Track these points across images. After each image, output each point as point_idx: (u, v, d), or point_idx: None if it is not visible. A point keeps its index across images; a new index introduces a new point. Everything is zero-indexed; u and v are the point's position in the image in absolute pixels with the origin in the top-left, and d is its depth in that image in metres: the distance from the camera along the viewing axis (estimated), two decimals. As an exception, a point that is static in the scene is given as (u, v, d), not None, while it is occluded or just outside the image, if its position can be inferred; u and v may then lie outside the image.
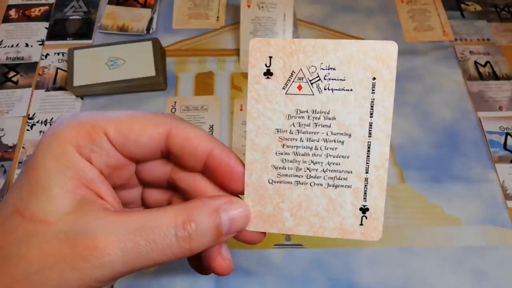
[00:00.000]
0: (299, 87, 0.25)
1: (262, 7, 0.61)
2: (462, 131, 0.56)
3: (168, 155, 0.26)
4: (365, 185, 0.25)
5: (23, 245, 0.21)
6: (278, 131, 0.25)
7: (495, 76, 0.61)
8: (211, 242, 0.24)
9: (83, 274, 0.20)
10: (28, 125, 0.57)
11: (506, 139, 0.55)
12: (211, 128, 0.56)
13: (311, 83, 0.24)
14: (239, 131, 0.56)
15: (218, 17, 0.67)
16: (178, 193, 0.28)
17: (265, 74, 0.25)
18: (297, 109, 0.25)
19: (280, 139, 0.25)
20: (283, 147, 0.25)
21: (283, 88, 0.25)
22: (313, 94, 0.24)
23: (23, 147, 0.55)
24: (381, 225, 0.25)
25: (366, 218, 0.25)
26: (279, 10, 0.61)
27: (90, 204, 0.22)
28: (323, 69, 0.24)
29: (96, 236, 0.21)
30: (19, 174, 0.23)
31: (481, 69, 0.61)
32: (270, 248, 0.48)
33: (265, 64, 0.25)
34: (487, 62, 0.62)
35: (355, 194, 0.25)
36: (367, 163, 0.25)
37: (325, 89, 0.24)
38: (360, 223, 0.25)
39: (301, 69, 0.24)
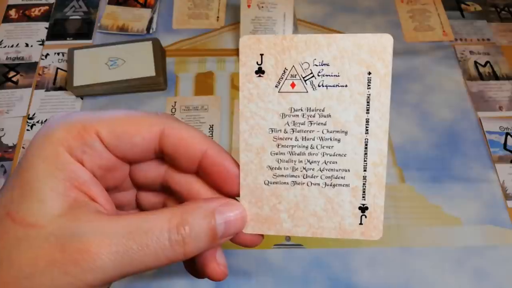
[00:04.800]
0: (292, 85, 0.24)
1: (262, 7, 0.61)
2: (462, 131, 0.56)
3: (162, 155, 0.25)
4: (364, 184, 0.24)
5: (13, 249, 0.20)
6: (272, 131, 0.25)
7: (495, 76, 0.61)
8: (206, 245, 0.23)
9: (74, 279, 0.20)
10: (28, 125, 0.57)
11: (506, 139, 0.55)
12: (211, 128, 0.56)
13: (305, 80, 0.24)
14: (239, 131, 0.56)
15: (218, 17, 0.66)
16: (173, 196, 0.27)
17: (256, 72, 0.24)
18: (291, 108, 0.24)
19: (274, 139, 0.25)
20: (278, 147, 0.25)
21: (275, 86, 0.24)
22: (307, 92, 0.24)
23: (23, 147, 0.55)
24: (381, 224, 0.25)
25: (366, 217, 0.25)
26: (279, 10, 0.60)
27: (82, 207, 0.22)
28: (316, 65, 0.24)
29: (87, 240, 0.20)
30: (10, 175, 0.23)
31: (481, 69, 0.61)
32: (270, 248, 0.48)
33: (257, 62, 0.24)
34: (487, 62, 0.62)
35: (353, 193, 0.25)
36: (365, 160, 0.24)
37: (319, 86, 0.24)
38: (359, 222, 0.25)
39: (293, 66, 0.24)
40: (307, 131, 0.24)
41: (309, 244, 0.48)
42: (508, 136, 0.55)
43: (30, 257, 0.20)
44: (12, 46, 0.64)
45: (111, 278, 0.21)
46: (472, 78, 0.61)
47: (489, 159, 0.54)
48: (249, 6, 0.61)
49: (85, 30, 0.66)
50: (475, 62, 0.62)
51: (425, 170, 0.53)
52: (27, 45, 0.64)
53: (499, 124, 0.56)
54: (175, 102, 0.58)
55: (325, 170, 0.25)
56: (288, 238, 0.48)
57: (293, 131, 0.24)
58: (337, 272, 0.47)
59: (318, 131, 0.24)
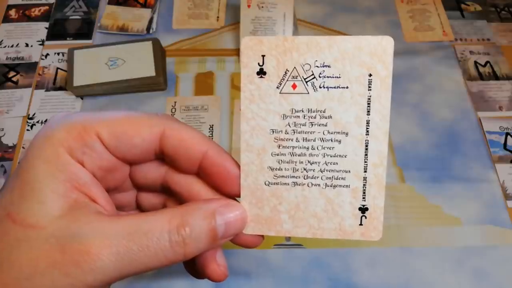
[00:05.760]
0: (294, 86, 0.24)
1: (262, 7, 0.61)
2: (462, 131, 0.56)
3: (162, 156, 0.25)
4: (364, 184, 0.24)
5: (14, 250, 0.20)
6: (273, 132, 0.25)
7: (495, 76, 0.61)
8: (206, 246, 0.23)
9: (75, 280, 0.20)
10: (28, 125, 0.57)
11: (506, 139, 0.55)
12: (211, 128, 0.56)
13: (306, 82, 0.24)
14: (239, 131, 0.56)
15: (218, 17, 0.66)
16: (173, 197, 0.27)
17: (258, 73, 0.24)
18: (292, 109, 0.24)
19: (275, 140, 0.25)
20: (279, 148, 0.25)
21: (277, 87, 0.24)
22: (308, 93, 0.24)
23: (23, 147, 0.55)
24: (381, 225, 0.25)
25: (366, 218, 0.25)
26: (279, 10, 0.60)
27: (82, 208, 0.22)
28: (317, 66, 0.24)
29: (88, 241, 0.20)
30: (10, 176, 0.23)
31: (481, 69, 0.61)
32: (270, 248, 0.48)
33: (258, 63, 0.24)
34: (487, 62, 0.62)
35: (353, 194, 0.25)
36: (365, 161, 0.24)
37: (320, 87, 0.24)
38: (359, 223, 0.25)
39: (295, 67, 0.24)
40: (308, 132, 0.24)
41: (309, 244, 0.48)
42: (508, 136, 0.55)
43: (30, 258, 0.20)
44: (12, 46, 0.64)
45: (111, 279, 0.21)
46: (472, 78, 0.61)
47: (489, 159, 0.54)
48: (249, 6, 0.61)
49: (85, 30, 0.66)
50: (475, 62, 0.62)
51: (425, 170, 0.53)
52: (27, 45, 0.64)
53: (499, 124, 0.56)
54: (175, 102, 0.58)
55: (325, 171, 0.25)
56: (288, 238, 0.48)
57: (294, 132, 0.24)
58: (337, 272, 0.47)
59: (319, 132, 0.24)
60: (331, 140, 0.24)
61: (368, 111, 0.24)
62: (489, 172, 0.53)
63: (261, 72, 0.24)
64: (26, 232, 0.21)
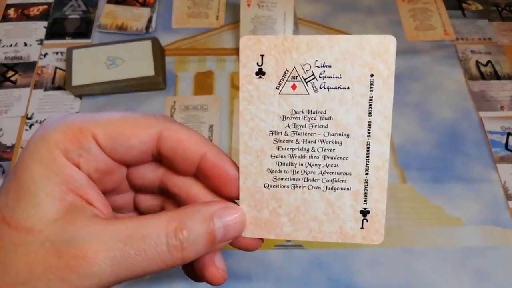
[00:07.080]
0: (293, 87, 0.24)
1: (262, 6, 0.60)
2: (464, 131, 0.56)
3: (159, 158, 0.25)
4: (365, 187, 0.24)
5: (9, 254, 0.20)
6: (272, 133, 0.24)
7: (496, 76, 0.60)
8: (205, 250, 0.23)
9: (70, 285, 0.20)
10: (27, 125, 0.57)
11: (507, 139, 0.55)
12: (210, 128, 0.56)
13: (306, 82, 0.23)
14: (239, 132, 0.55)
15: (217, 16, 0.66)
16: (171, 198, 0.27)
17: (257, 73, 0.24)
18: (291, 110, 0.24)
19: (275, 141, 0.24)
20: (278, 150, 0.24)
21: (276, 88, 0.24)
22: (308, 94, 0.24)
23: (21, 147, 0.55)
24: (383, 228, 0.25)
25: (367, 221, 0.24)
26: (279, 9, 0.60)
27: (78, 211, 0.22)
28: (318, 66, 0.23)
29: (84, 245, 0.20)
30: (5, 178, 0.22)
31: (483, 69, 0.61)
32: (271, 249, 0.48)
33: (257, 63, 0.24)
34: (489, 61, 0.61)
35: (355, 197, 0.24)
36: (366, 164, 0.24)
37: (320, 88, 0.23)
38: (361, 226, 0.25)
39: (295, 67, 0.23)
40: (308, 133, 0.24)
41: (310, 245, 0.48)
42: (510, 136, 0.55)
43: (26, 262, 0.20)
44: (10, 45, 0.64)
45: (108, 284, 0.21)
46: (473, 77, 0.60)
47: (490, 159, 0.54)
48: (249, 5, 0.60)
49: (84, 29, 0.65)
50: (477, 62, 0.62)
51: (426, 170, 0.53)
52: (25, 44, 0.64)
53: (501, 124, 0.56)
54: (174, 102, 0.58)
55: (326, 174, 0.24)
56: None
57: (294, 133, 0.24)
58: (338, 272, 0.46)
59: (319, 134, 0.24)
60: (332, 142, 0.24)
61: (370, 112, 0.23)
62: (490, 172, 0.53)
63: (260, 72, 0.24)
64: (21, 236, 0.20)
